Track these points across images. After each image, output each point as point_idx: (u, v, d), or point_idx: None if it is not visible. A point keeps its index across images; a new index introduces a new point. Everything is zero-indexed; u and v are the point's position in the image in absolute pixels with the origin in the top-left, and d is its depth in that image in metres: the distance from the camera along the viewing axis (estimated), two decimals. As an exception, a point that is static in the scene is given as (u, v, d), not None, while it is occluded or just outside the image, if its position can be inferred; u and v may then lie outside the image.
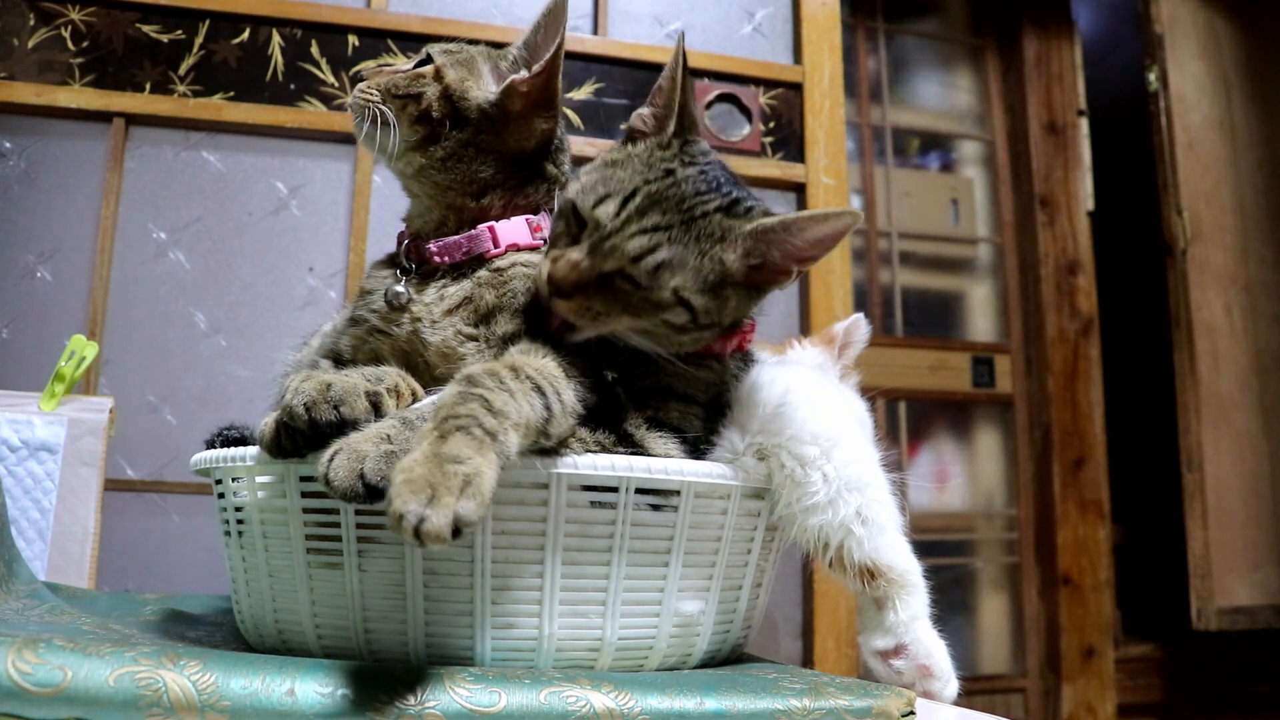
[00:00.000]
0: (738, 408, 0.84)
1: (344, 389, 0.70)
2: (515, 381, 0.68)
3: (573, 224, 0.80)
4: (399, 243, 0.91)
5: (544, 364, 0.74)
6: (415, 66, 0.91)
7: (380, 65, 0.94)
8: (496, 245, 0.86)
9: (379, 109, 0.87)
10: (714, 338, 0.83)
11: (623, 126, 0.88)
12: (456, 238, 0.87)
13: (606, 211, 0.77)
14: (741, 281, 0.80)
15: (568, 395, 0.73)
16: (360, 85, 0.91)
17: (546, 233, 0.89)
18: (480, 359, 0.80)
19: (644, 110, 0.85)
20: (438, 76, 0.89)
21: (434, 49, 0.92)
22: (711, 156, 0.84)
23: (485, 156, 0.88)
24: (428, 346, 0.83)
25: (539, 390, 0.69)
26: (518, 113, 0.89)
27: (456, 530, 0.56)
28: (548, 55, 0.87)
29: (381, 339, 0.85)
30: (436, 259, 0.86)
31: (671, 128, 0.82)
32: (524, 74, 0.88)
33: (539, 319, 0.83)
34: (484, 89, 0.89)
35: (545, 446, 0.70)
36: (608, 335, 0.80)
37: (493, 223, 0.87)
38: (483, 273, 0.85)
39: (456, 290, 0.84)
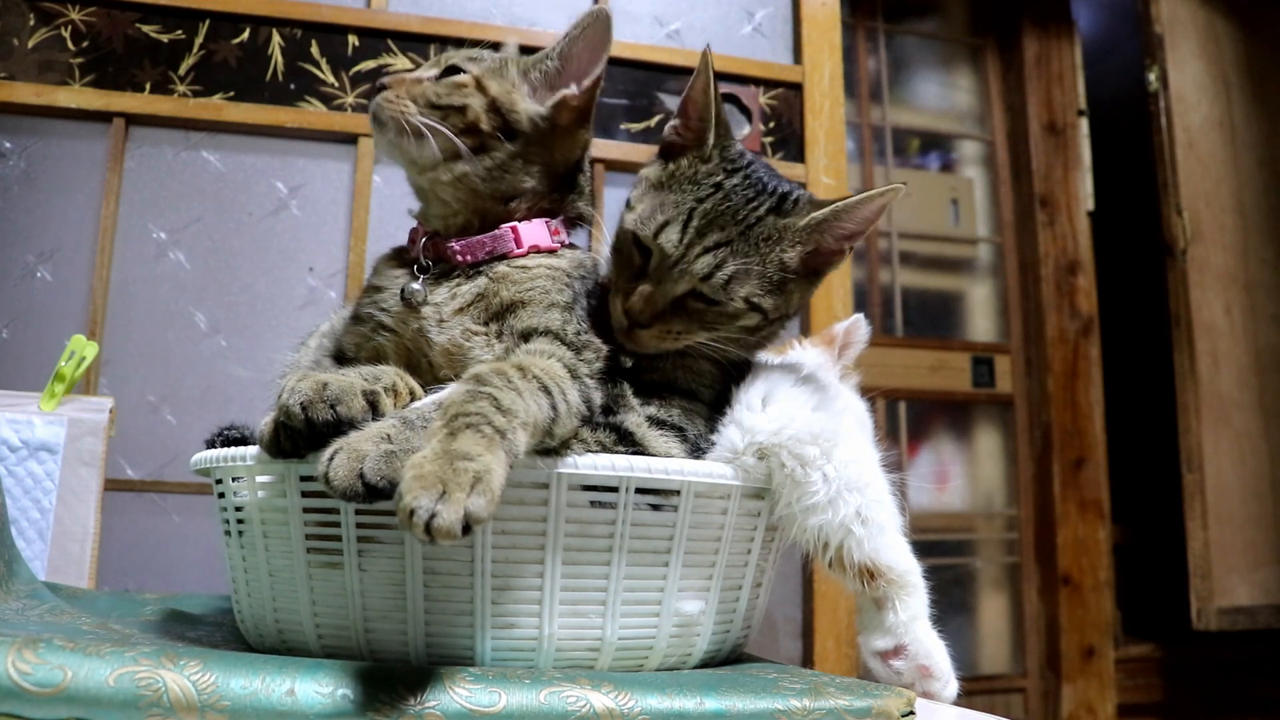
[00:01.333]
0: (738, 407, 0.84)
1: (340, 388, 0.70)
2: (523, 381, 0.68)
3: (635, 255, 0.83)
4: (413, 240, 0.90)
5: (550, 365, 0.74)
6: (442, 75, 0.88)
7: (384, 68, 0.92)
8: (519, 246, 0.86)
9: (420, 122, 0.84)
10: (783, 328, 0.88)
11: (639, 126, 0.89)
12: (480, 237, 0.86)
13: (670, 239, 0.81)
14: (800, 272, 0.84)
15: (573, 396, 0.73)
16: (386, 95, 0.86)
17: (564, 236, 0.90)
18: (488, 354, 0.80)
19: (675, 123, 0.88)
20: (480, 88, 0.87)
21: (456, 57, 0.89)
22: (749, 157, 0.86)
23: (531, 168, 0.88)
24: (433, 346, 0.82)
25: (545, 390, 0.70)
26: (564, 126, 0.89)
27: (467, 527, 0.56)
28: (597, 70, 0.88)
29: (387, 336, 0.85)
30: (459, 258, 0.85)
31: (711, 139, 0.84)
32: (574, 89, 0.89)
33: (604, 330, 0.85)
34: (528, 101, 0.88)
35: (549, 446, 0.71)
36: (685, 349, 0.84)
37: (515, 223, 0.87)
38: (501, 267, 0.84)
39: (470, 288, 0.84)
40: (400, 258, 0.90)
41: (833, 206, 0.81)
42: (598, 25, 0.88)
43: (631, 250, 0.84)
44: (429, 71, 0.90)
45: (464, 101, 0.86)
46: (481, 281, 0.84)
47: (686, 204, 0.81)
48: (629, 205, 0.86)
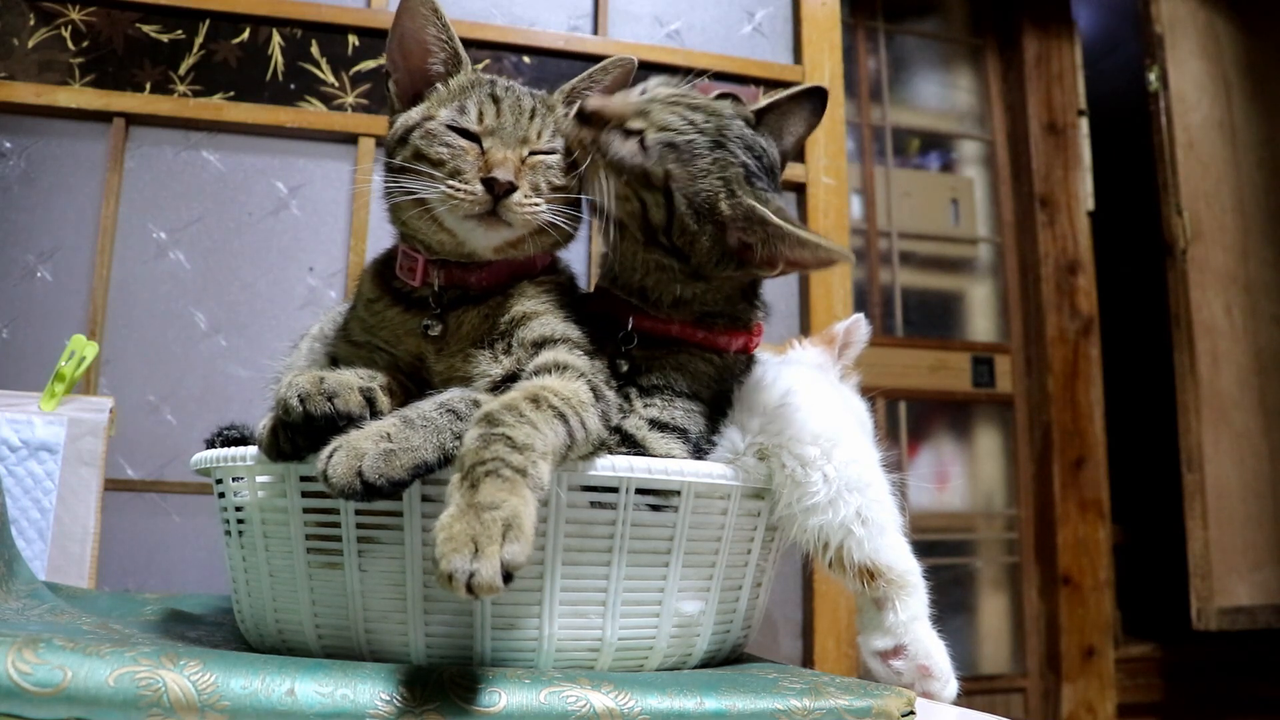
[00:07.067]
0: (738, 407, 0.84)
1: (338, 383, 0.71)
2: (536, 412, 0.67)
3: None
4: (409, 269, 0.84)
5: (575, 388, 0.73)
6: (569, 169, 0.85)
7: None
8: (536, 267, 0.87)
9: (548, 220, 0.82)
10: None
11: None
12: (505, 260, 0.85)
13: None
14: None
15: (592, 423, 0.72)
16: (517, 200, 0.79)
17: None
18: (495, 369, 0.80)
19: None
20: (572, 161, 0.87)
21: (535, 116, 0.84)
22: None
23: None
24: (435, 374, 0.82)
25: (562, 418, 0.69)
26: None
27: (509, 575, 0.56)
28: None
29: (384, 355, 0.84)
30: (484, 282, 0.84)
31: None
32: None
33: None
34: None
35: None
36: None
37: None
38: (519, 283, 0.84)
39: (477, 311, 0.83)
40: (388, 285, 0.86)
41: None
42: (620, 69, 0.90)
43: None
44: (522, 146, 0.82)
45: (568, 184, 0.85)
46: (491, 301, 0.83)
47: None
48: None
